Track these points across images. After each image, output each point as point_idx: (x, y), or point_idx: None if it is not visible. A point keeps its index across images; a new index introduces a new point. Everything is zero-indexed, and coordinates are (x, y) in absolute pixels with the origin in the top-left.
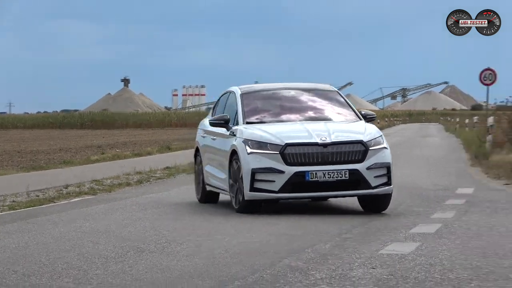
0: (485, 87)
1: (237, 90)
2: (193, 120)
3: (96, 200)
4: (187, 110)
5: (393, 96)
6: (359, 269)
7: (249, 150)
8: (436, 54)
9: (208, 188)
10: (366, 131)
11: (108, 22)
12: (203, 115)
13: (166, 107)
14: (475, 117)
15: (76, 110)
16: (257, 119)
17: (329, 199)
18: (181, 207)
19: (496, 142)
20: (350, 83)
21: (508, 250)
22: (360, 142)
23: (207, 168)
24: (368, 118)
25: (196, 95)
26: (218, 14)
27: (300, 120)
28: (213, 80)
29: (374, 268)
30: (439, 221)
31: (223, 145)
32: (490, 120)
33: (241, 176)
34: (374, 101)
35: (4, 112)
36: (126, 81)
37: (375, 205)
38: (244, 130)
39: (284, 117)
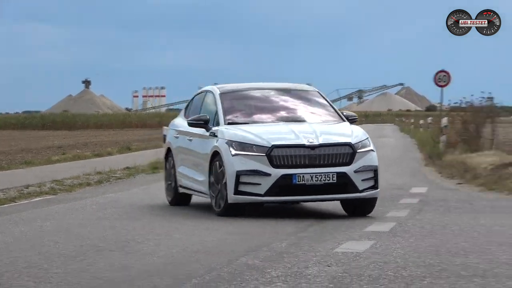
0: (439, 88)
1: (215, 89)
2: (153, 121)
3: (57, 200)
4: (147, 111)
5: (349, 97)
6: (315, 267)
7: (233, 151)
8: (392, 56)
9: (181, 190)
10: (353, 133)
11: (69, 25)
12: (164, 116)
13: (126, 108)
14: (429, 118)
15: (37, 112)
16: (238, 119)
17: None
18: (141, 207)
19: (450, 142)
20: (308, 84)
21: (461, 248)
22: (348, 144)
23: (181, 170)
24: (350, 120)
25: (156, 96)
26: (177, 15)
27: (283, 121)
28: (173, 81)
29: (329, 266)
30: (393, 220)
31: (202, 147)
32: (444, 120)
33: (225, 179)
34: (331, 102)
35: None
36: (87, 83)
37: (361, 209)
38: (226, 131)
39: (265, 117)
